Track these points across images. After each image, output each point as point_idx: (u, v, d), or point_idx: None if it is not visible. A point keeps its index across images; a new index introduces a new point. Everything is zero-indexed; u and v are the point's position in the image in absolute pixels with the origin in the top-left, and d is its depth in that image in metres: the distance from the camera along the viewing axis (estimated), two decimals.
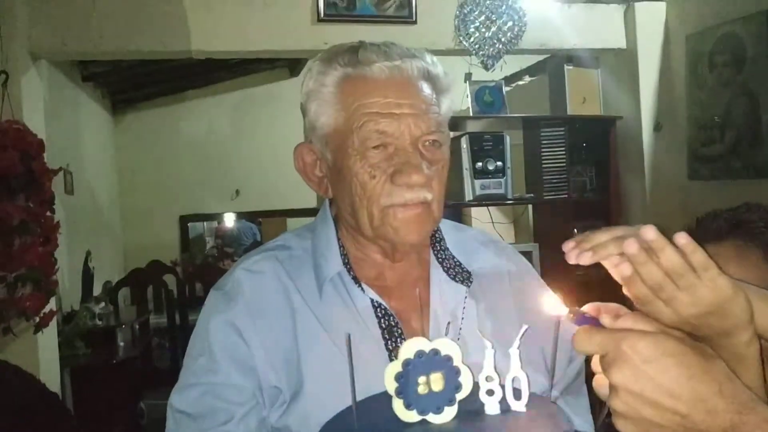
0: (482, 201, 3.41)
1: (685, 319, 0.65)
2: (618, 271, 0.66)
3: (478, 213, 3.90)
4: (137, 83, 6.41)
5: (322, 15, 3.30)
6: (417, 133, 0.96)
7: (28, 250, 2.74)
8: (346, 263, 1.01)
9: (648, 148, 3.63)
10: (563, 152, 3.53)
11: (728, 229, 1.20)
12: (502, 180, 3.36)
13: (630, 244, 0.63)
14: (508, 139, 3.41)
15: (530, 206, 4.03)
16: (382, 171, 0.95)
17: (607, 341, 0.64)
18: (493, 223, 3.77)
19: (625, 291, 0.70)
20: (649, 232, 0.63)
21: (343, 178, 0.98)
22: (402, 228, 0.96)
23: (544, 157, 3.50)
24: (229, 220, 7.73)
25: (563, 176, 3.53)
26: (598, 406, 1.15)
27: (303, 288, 1.00)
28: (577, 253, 0.68)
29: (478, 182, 3.32)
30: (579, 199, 3.61)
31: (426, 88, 0.98)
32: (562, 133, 3.53)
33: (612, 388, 0.63)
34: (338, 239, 1.04)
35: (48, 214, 2.87)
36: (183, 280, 5.59)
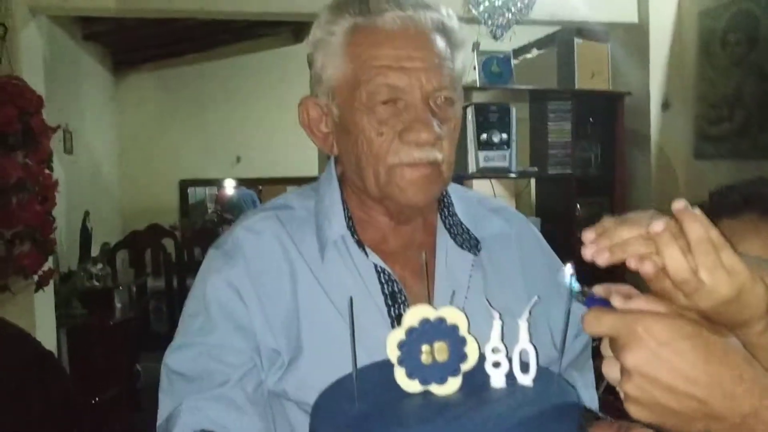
0: (486, 173, 3.37)
1: (702, 311, 0.62)
2: (641, 268, 0.62)
3: (480, 185, 3.86)
4: (140, 44, 6.33)
5: None
6: (429, 89, 0.91)
7: (25, 208, 2.72)
8: (350, 226, 0.97)
9: (655, 126, 3.58)
10: (569, 127, 3.48)
11: (744, 204, 1.17)
12: (506, 153, 3.31)
13: (657, 225, 0.60)
14: (514, 112, 3.36)
15: (533, 180, 4.00)
16: (390, 127, 0.91)
17: (619, 323, 0.61)
18: (495, 196, 3.73)
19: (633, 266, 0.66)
20: (679, 203, 0.60)
21: (349, 134, 0.94)
22: (409, 188, 0.92)
23: (549, 132, 3.46)
24: (230, 187, 7.70)
25: (568, 151, 3.49)
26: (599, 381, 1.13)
27: (304, 250, 0.96)
28: (594, 250, 0.63)
29: (482, 154, 3.28)
30: (583, 175, 3.58)
31: (440, 42, 0.93)
32: (568, 107, 3.48)
33: (625, 371, 0.60)
34: (343, 200, 1.00)
35: (46, 172, 2.84)
36: (181, 244, 5.58)
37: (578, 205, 3.58)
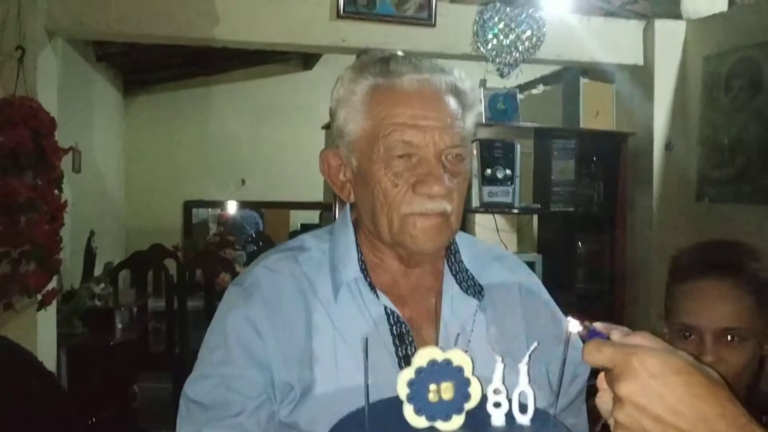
0: (489, 208, 3.41)
1: None
2: None
3: (482, 220, 3.89)
4: (150, 66, 6.41)
5: (341, 11, 3.29)
6: (441, 146, 0.98)
7: (33, 228, 2.75)
8: (363, 269, 1.04)
9: (658, 167, 3.63)
10: (573, 165, 3.52)
11: (709, 267, 1.23)
12: (510, 188, 3.35)
13: None
14: (518, 148, 3.41)
15: (535, 216, 4.03)
16: (404, 180, 0.98)
17: (616, 355, 0.65)
18: (497, 230, 3.76)
19: None
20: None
21: (366, 183, 1.01)
22: (420, 236, 0.99)
23: (553, 169, 3.50)
24: (233, 209, 7.73)
25: (571, 189, 3.52)
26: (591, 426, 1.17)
27: (319, 289, 1.03)
28: None
29: (486, 189, 3.32)
30: (585, 213, 3.61)
31: (452, 103, 1.01)
32: (573, 145, 3.53)
33: (617, 400, 0.64)
34: (357, 245, 1.07)
35: (56, 192, 2.88)
36: (183, 265, 5.59)
37: (579, 243, 3.61)
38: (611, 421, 0.65)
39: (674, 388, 0.61)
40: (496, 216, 3.77)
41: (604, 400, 0.68)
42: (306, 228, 7.37)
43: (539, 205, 3.54)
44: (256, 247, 6.92)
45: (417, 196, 0.97)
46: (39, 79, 3.00)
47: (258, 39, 3.38)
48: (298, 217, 7.72)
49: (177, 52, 5.72)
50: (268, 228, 7.90)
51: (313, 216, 7.33)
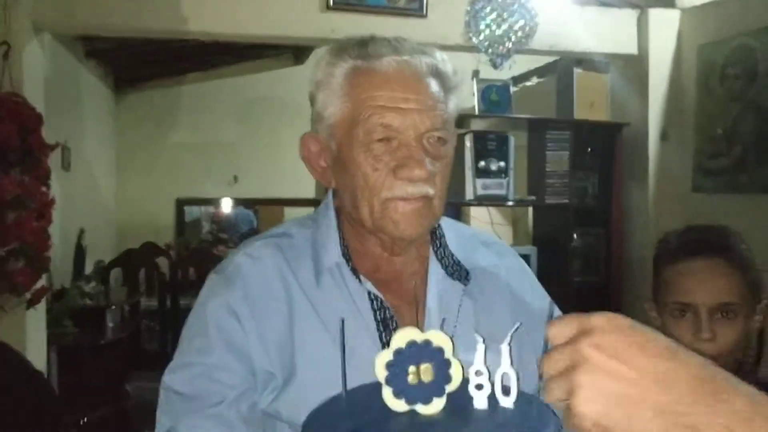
0: (483, 201, 3.38)
1: None
2: None
3: (477, 213, 3.87)
4: (140, 62, 6.35)
5: (331, 3, 3.25)
6: (422, 129, 0.97)
7: (21, 225, 2.71)
8: (346, 254, 1.02)
9: (653, 157, 3.60)
10: (567, 156, 3.50)
11: (702, 245, 1.28)
12: (504, 181, 3.33)
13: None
14: (512, 140, 3.38)
15: (530, 209, 4.01)
16: (384, 164, 0.97)
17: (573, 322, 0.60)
18: (492, 224, 3.73)
19: None
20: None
21: (347, 169, 0.99)
22: (402, 221, 0.97)
23: (547, 161, 3.47)
24: (226, 206, 7.69)
25: (565, 181, 3.50)
26: None
27: (301, 276, 1.01)
28: None
29: (479, 182, 3.29)
30: (580, 205, 3.59)
31: (434, 85, 0.99)
32: (567, 136, 3.50)
33: (577, 363, 0.57)
34: (339, 230, 1.05)
35: (43, 189, 2.83)
36: (176, 263, 5.55)
37: (575, 235, 3.59)
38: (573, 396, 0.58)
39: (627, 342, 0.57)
40: (491, 209, 3.74)
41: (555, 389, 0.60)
42: None
43: (534, 198, 3.52)
44: None
45: (398, 180, 0.96)
46: (25, 75, 2.95)
47: (248, 32, 3.34)
48: (292, 214, 7.67)
49: (167, 49, 5.66)
50: (262, 225, 7.86)
51: (307, 212, 7.28)
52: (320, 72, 1.02)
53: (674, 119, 3.61)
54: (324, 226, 1.06)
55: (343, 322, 0.73)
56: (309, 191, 5.42)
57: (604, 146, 3.64)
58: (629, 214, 3.66)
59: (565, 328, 0.61)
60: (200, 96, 7.11)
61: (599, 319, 0.59)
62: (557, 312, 1.05)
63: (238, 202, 7.62)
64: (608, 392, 0.56)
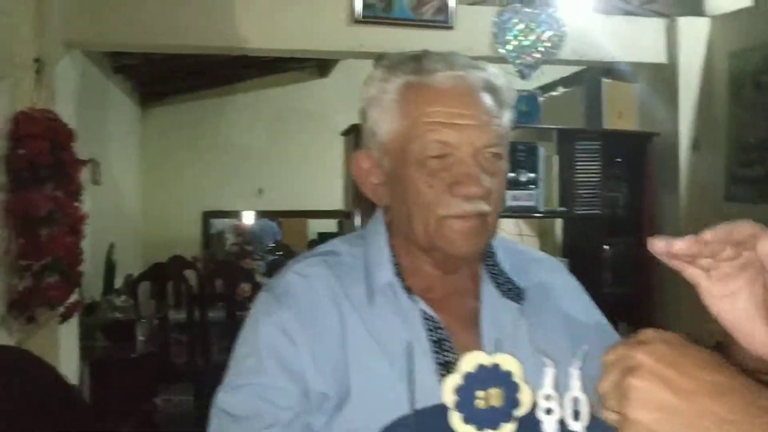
0: (513, 212, 3.35)
1: None
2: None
3: (506, 224, 3.83)
4: (166, 77, 6.43)
5: (359, 17, 3.26)
6: (478, 145, 0.94)
7: (54, 240, 2.74)
8: (398, 273, 1.00)
9: (684, 167, 3.55)
10: (597, 167, 3.46)
11: None
12: (533, 192, 3.30)
13: None
14: (542, 151, 3.35)
15: (558, 220, 3.97)
16: (440, 181, 0.94)
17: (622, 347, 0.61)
18: (521, 235, 3.70)
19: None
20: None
21: (400, 186, 0.97)
22: (458, 239, 0.95)
23: (577, 171, 3.44)
24: (251, 218, 7.73)
25: (596, 191, 3.46)
26: None
27: (353, 295, 0.99)
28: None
29: (509, 193, 3.26)
30: (611, 216, 3.54)
31: (488, 100, 0.97)
32: (597, 146, 3.47)
33: (633, 369, 0.58)
34: (390, 248, 1.03)
35: (75, 204, 2.86)
36: (203, 276, 5.57)
37: (606, 246, 3.54)
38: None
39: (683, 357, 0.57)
40: (519, 220, 3.71)
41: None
42: (324, 237, 7.37)
43: (564, 209, 3.48)
44: (275, 257, 6.90)
45: (453, 197, 0.94)
46: (57, 92, 3.00)
47: (276, 46, 3.36)
48: (315, 226, 7.70)
49: (192, 63, 5.73)
50: (286, 237, 7.90)
51: (330, 225, 7.31)
52: (372, 88, 1.00)
53: (705, 128, 3.56)
54: (375, 244, 1.04)
55: (410, 345, 0.73)
56: (332, 203, 5.41)
57: (634, 156, 3.59)
58: (661, 224, 3.61)
59: (617, 348, 0.61)
60: (225, 109, 7.18)
61: (651, 332, 0.60)
62: (611, 329, 1.03)
63: (263, 214, 7.67)
64: (664, 401, 0.56)
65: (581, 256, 3.50)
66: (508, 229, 3.77)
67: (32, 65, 2.83)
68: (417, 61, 0.97)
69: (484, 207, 0.95)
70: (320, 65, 7.06)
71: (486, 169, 0.95)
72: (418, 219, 0.96)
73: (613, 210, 3.56)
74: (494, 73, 0.99)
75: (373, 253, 1.02)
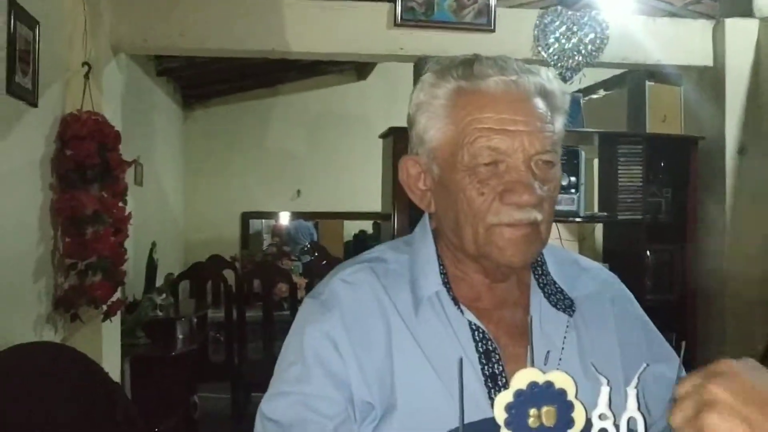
0: (554, 217, 3.31)
1: None
2: None
3: None
4: (208, 79, 6.52)
5: (399, 20, 3.27)
6: (531, 152, 0.91)
7: (99, 240, 2.79)
8: (446, 282, 0.98)
9: (731, 172, 3.47)
10: (640, 171, 3.40)
11: None
12: (575, 196, 3.26)
13: None
14: (583, 155, 3.31)
15: (599, 225, 3.91)
16: (491, 188, 0.91)
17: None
18: (561, 239, 3.66)
19: None
20: None
21: (450, 193, 0.95)
22: (508, 248, 0.92)
23: (619, 175, 3.38)
24: (287, 219, 7.79)
25: (638, 196, 3.40)
26: None
27: (399, 303, 0.97)
28: None
29: None
30: (653, 221, 3.48)
31: (541, 105, 0.94)
32: (639, 150, 3.41)
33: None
34: (438, 256, 1.00)
35: (120, 205, 2.92)
36: (242, 276, 5.64)
37: (648, 252, 3.48)
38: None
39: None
40: (559, 225, 3.67)
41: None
42: (360, 238, 7.39)
43: (605, 213, 3.43)
44: (311, 257, 6.94)
45: (505, 205, 0.91)
46: (104, 94, 3.06)
47: (316, 49, 3.38)
48: (351, 228, 7.73)
49: (234, 66, 5.80)
50: (322, 238, 7.94)
51: (366, 226, 7.32)
52: (422, 93, 0.97)
53: (752, 132, 3.47)
54: (422, 251, 1.02)
55: (461, 360, 0.71)
56: (369, 204, 5.41)
57: (678, 160, 3.52)
58: (705, 230, 3.53)
59: (691, 378, 0.60)
60: (265, 112, 7.26)
61: (726, 363, 0.59)
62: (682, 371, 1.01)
63: (299, 215, 7.72)
64: None
65: (622, 262, 3.43)
66: None
67: (81, 69, 2.90)
68: (468, 66, 0.95)
69: (536, 215, 0.92)
70: (359, 68, 7.08)
71: (538, 177, 0.92)
72: (467, 226, 0.94)
73: (655, 215, 3.49)
74: (548, 77, 0.96)
75: (420, 261, 1.01)
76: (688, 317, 3.48)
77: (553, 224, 3.42)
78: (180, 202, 6.81)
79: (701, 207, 3.53)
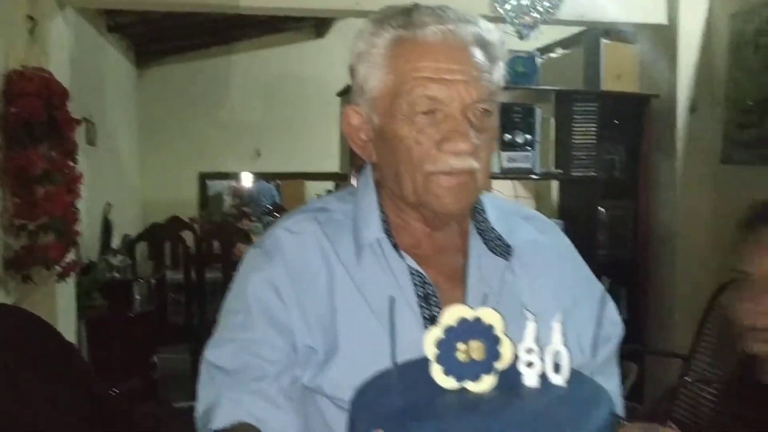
0: (509, 174, 3.35)
1: None
2: None
3: (502, 186, 3.83)
4: (162, 36, 6.35)
5: None
6: (467, 101, 0.93)
7: (50, 200, 2.74)
8: (387, 230, 1.01)
9: (682, 129, 3.53)
10: (594, 129, 3.44)
11: None
12: (530, 154, 3.29)
13: None
14: (539, 112, 3.33)
15: (554, 182, 3.97)
16: (428, 137, 0.94)
17: None
18: (516, 197, 3.71)
19: None
20: None
21: (389, 142, 0.97)
22: (445, 196, 0.95)
23: (574, 133, 3.42)
24: (248, 180, 7.72)
25: (593, 154, 3.45)
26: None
27: (341, 251, 0.99)
28: None
29: (505, 155, 3.26)
30: (607, 178, 3.54)
31: (479, 55, 0.95)
32: (594, 108, 3.44)
33: None
34: (379, 205, 1.03)
35: (71, 164, 2.86)
36: (201, 237, 5.59)
37: (602, 208, 3.55)
38: None
39: None
40: (515, 182, 3.71)
41: None
42: None
43: (560, 171, 3.47)
44: (272, 219, 6.91)
45: (442, 153, 0.93)
46: (51, 50, 2.97)
47: (272, 4, 3.31)
48: (313, 188, 7.70)
49: (188, 23, 5.66)
50: (284, 199, 7.89)
51: (328, 187, 7.30)
52: (361, 43, 0.98)
53: (704, 90, 3.53)
54: (364, 201, 1.04)
55: (392, 300, 0.72)
56: (331, 165, 5.39)
57: (632, 118, 3.57)
58: (657, 187, 3.61)
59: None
60: (222, 70, 7.12)
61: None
62: (610, 302, 1.03)
63: (260, 176, 7.64)
64: None
65: (577, 218, 3.50)
66: (504, 190, 3.77)
67: (25, 23, 2.79)
68: (407, 15, 0.96)
69: (473, 163, 0.94)
70: (317, 26, 6.98)
71: (475, 126, 0.94)
72: (406, 175, 0.95)
73: (609, 172, 3.55)
74: (486, 27, 0.97)
75: (362, 209, 1.02)
76: (641, 271, 3.58)
77: (510, 182, 3.45)
78: (136, 162, 6.68)
79: (654, 164, 3.60)
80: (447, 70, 0.92)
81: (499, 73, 0.99)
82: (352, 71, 1.01)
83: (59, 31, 3.10)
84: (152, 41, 6.53)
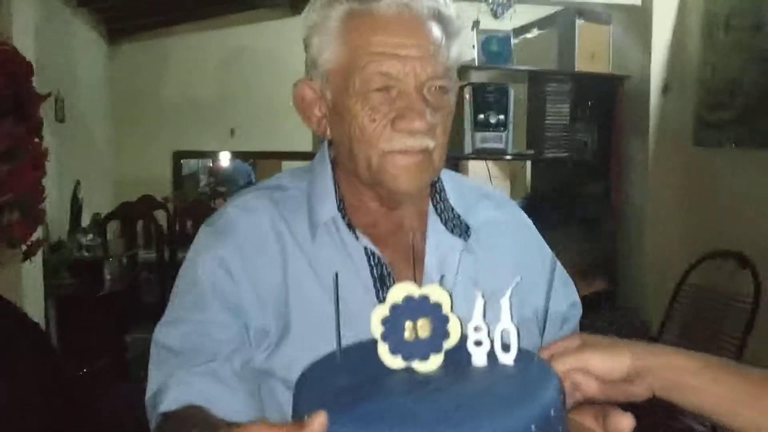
0: (481, 154, 3.35)
1: None
2: None
3: (475, 166, 3.84)
4: (135, 12, 6.23)
5: None
6: (422, 77, 0.91)
7: (15, 177, 2.68)
8: (341, 209, 0.98)
9: (654, 111, 3.54)
10: (567, 109, 3.45)
11: None
12: (503, 134, 3.29)
13: None
14: (512, 93, 3.32)
15: (528, 162, 3.97)
16: (383, 115, 0.91)
17: None
18: (490, 177, 3.71)
19: None
20: None
21: (343, 119, 0.94)
22: (400, 175, 0.93)
23: (547, 114, 3.42)
24: (224, 160, 7.64)
25: (565, 134, 3.46)
26: None
27: (296, 230, 0.97)
28: None
29: (478, 135, 3.25)
30: (580, 159, 3.55)
31: (435, 30, 0.93)
32: (567, 89, 3.45)
33: None
34: (335, 183, 1.00)
35: (36, 140, 2.80)
36: (173, 216, 5.54)
37: (574, 189, 3.56)
38: None
39: None
40: (489, 163, 3.71)
41: None
42: None
43: (532, 151, 3.48)
44: None
45: (396, 132, 0.91)
46: (14, 23, 2.89)
47: None
48: (289, 168, 7.63)
49: None
50: (259, 178, 7.81)
51: (306, 164, 7.25)
52: (315, 14, 0.95)
53: (677, 71, 3.54)
54: (320, 179, 1.01)
55: (337, 276, 0.70)
56: (305, 144, 5.35)
57: (605, 99, 3.58)
58: (629, 167, 3.63)
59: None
60: (197, 47, 7.00)
61: None
62: (560, 267, 1.03)
63: (236, 155, 7.57)
64: None
65: (549, 198, 3.52)
66: (478, 171, 3.77)
67: None
68: None
69: (429, 142, 0.92)
70: (292, 3, 6.88)
71: (431, 103, 0.92)
72: (360, 154, 0.93)
73: (581, 153, 3.56)
74: (444, 1, 0.95)
75: (317, 188, 1.00)
76: (613, 252, 3.61)
77: (483, 162, 3.44)
78: (107, 140, 6.57)
79: (626, 144, 3.62)
80: (402, 45, 0.90)
81: (456, 50, 0.96)
82: (307, 43, 0.98)
83: (23, 4, 3.02)
84: (124, 17, 6.39)
